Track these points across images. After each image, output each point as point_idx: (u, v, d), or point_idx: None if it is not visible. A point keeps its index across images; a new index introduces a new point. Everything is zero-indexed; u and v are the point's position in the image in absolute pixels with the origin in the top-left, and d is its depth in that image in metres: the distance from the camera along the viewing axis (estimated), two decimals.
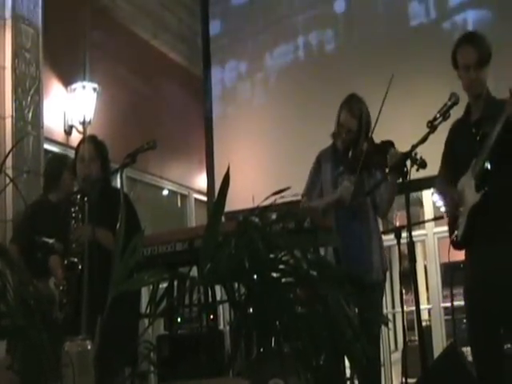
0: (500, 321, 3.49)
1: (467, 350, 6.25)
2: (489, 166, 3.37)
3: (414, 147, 3.30)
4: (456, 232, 3.59)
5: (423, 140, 3.31)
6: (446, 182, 3.75)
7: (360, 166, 3.98)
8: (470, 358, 5.21)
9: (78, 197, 3.96)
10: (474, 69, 3.51)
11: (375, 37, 6.68)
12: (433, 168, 6.07)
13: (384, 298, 7.24)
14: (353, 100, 4.23)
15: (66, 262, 3.83)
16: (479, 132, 3.45)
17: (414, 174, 3.26)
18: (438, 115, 3.34)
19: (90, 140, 4.34)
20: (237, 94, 7.47)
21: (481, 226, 3.44)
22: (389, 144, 3.97)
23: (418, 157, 3.32)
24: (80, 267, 3.77)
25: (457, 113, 3.56)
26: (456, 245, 3.64)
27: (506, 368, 3.52)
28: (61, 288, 3.83)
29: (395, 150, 3.81)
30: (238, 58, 7.53)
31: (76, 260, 3.80)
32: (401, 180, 3.36)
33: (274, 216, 2.97)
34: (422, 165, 3.35)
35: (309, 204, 4.15)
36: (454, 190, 3.60)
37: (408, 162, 3.25)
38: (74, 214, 3.95)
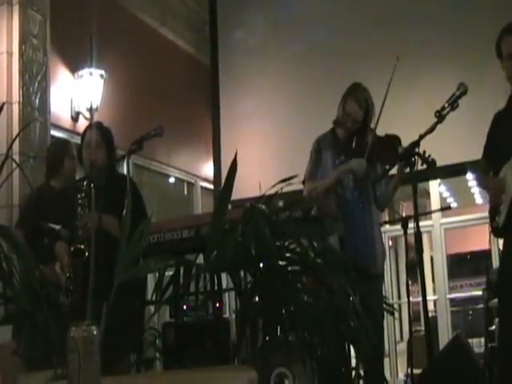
0: None
1: (473, 341, 6.26)
2: None
3: (422, 137, 3.28)
4: (497, 218, 3.59)
5: (431, 130, 3.29)
6: (485, 172, 3.74)
7: (366, 157, 3.96)
8: (475, 349, 5.22)
9: (85, 183, 3.95)
10: None
11: (380, 21, 6.66)
12: (440, 159, 6.08)
13: (390, 289, 7.25)
14: (358, 89, 4.19)
15: (72, 248, 3.83)
16: None
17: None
18: (446, 105, 3.32)
19: (96, 126, 4.34)
20: (244, 82, 7.45)
21: None
22: (395, 138, 3.96)
23: (428, 155, 3.32)
24: (86, 254, 3.76)
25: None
26: (496, 232, 3.63)
27: None
28: (67, 275, 3.83)
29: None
30: (246, 46, 7.51)
31: (82, 247, 3.79)
32: (408, 170, 3.34)
33: (280, 204, 2.96)
34: (432, 163, 3.35)
35: (315, 186, 4.09)
36: (495, 178, 3.59)
37: (416, 150, 3.23)
38: (80, 201, 3.94)
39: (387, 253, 7.99)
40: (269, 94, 7.22)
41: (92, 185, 3.89)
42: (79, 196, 3.96)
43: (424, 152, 3.53)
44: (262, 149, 6.99)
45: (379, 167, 4.14)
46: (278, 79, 7.16)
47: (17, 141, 5.26)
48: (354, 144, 4.09)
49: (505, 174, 3.55)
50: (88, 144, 4.20)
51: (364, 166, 3.99)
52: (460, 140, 6.12)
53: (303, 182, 4.12)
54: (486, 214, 3.71)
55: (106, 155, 4.17)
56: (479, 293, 7.13)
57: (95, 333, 1.77)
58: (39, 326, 2.40)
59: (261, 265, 2.66)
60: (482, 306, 6.57)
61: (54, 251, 4.05)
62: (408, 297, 4.48)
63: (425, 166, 3.31)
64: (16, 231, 4.54)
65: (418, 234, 3.18)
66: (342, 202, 4.08)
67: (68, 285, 3.77)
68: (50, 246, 4.12)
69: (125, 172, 5.42)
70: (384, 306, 3.97)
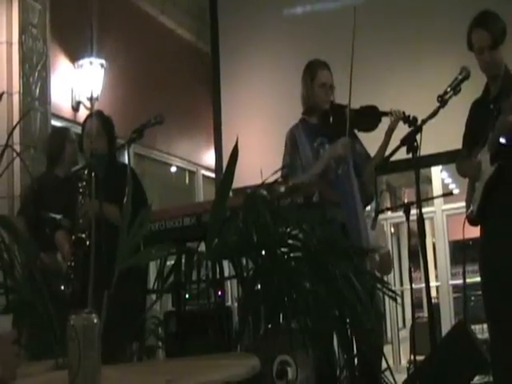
0: None
1: (476, 327, 6.26)
2: (504, 141, 3.36)
3: (424, 122, 3.27)
4: (471, 206, 3.59)
5: (433, 114, 3.27)
6: (464, 158, 3.74)
7: (348, 128, 3.98)
8: (478, 336, 5.21)
9: (85, 172, 3.95)
10: (488, 51, 3.54)
11: (380, 8, 6.63)
12: (442, 145, 6.06)
13: (392, 275, 7.23)
14: (320, 60, 4.27)
15: (73, 237, 3.83)
16: (496, 107, 3.44)
17: (424, 150, 3.22)
18: (449, 89, 3.30)
19: (96, 115, 4.35)
20: (245, 70, 7.42)
21: (495, 200, 3.44)
22: (371, 107, 4.01)
23: (408, 115, 3.52)
24: (87, 243, 3.76)
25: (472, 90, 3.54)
26: (471, 220, 3.63)
27: None
28: (68, 263, 3.84)
29: (397, 110, 3.88)
30: (247, 33, 7.47)
31: (84, 236, 3.80)
32: (411, 155, 3.33)
33: (282, 189, 2.95)
34: (414, 122, 3.49)
35: (303, 178, 4.06)
36: (471, 162, 3.59)
37: (418, 137, 3.21)
38: (81, 190, 3.95)
39: (389, 239, 8.02)
40: (270, 81, 7.20)
41: (92, 173, 3.89)
42: (80, 185, 3.96)
43: (403, 112, 3.81)
44: (264, 137, 6.97)
45: (359, 147, 4.19)
46: (280, 67, 7.13)
47: (17, 131, 5.26)
48: (330, 120, 4.09)
49: (479, 160, 3.54)
50: (88, 133, 4.21)
51: (349, 145, 4.00)
52: (462, 125, 6.08)
53: (283, 176, 3.99)
54: None
55: (107, 144, 4.18)
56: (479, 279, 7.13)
57: (95, 321, 1.76)
58: (40, 316, 2.40)
59: (263, 252, 2.65)
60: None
61: (55, 240, 4.05)
62: (411, 283, 4.47)
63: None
64: (18, 218, 4.57)
65: (421, 220, 3.16)
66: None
67: (69, 273, 3.78)
68: (52, 236, 4.13)
69: (126, 161, 5.41)
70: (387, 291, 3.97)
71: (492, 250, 3.53)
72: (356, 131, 4.18)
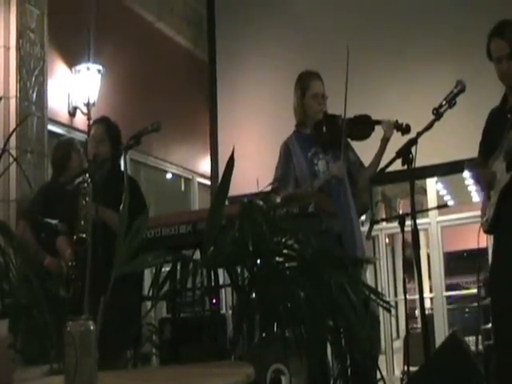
0: None
1: (469, 338, 6.27)
2: None
3: (419, 134, 3.28)
4: (486, 213, 3.60)
5: (428, 127, 3.29)
6: (479, 167, 3.76)
7: (343, 139, 4.00)
8: (472, 347, 5.22)
9: (87, 175, 3.98)
10: (506, 61, 3.57)
11: (379, 18, 6.67)
12: (438, 156, 6.08)
13: (386, 286, 7.25)
14: (312, 71, 4.28)
15: (75, 237, 3.87)
16: None
17: (419, 161, 3.24)
18: (444, 102, 3.32)
19: (101, 121, 4.43)
20: (242, 78, 7.44)
21: (508, 209, 3.45)
22: (364, 116, 4.05)
23: (401, 123, 3.61)
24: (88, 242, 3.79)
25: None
26: (486, 229, 3.65)
27: None
28: (69, 263, 3.87)
29: (389, 120, 3.91)
30: (244, 41, 7.49)
31: (84, 236, 3.83)
32: (406, 167, 3.34)
33: (278, 199, 2.96)
34: (406, 130, 3.64)
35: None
36: (487, 170, 3.61)
37: (413, 149, 3.23)
38: (83, 191, 3.99)
39: (384, 250, 8.04)
40: (267, 89, 7.21)
41: (90, 178, 3.92)
42: (82, 186, 4.00)
43: (396, 121, 3.88)
44: (260, 145, 6.98)
45: (352, 155, 4.21)
46: (277, 75, 7.15)
47: (14, 136, 5.26)
48: (324, 130, 4.11)
49: (495, 169, 3.57)
50: (92, 138, 4.29)
51: (344, 168, 4.02)
52: (457, 138, 6.12)
53: (274, 188, 3.95)
54: None
55: (110, 149, 4.21)
56: (475, 290, 7.15)
57: (92, 328, 1.77)
58: (36, 320, 2.40)
59: (258, 261, 2.66)
60: (477, 303, 6.58)
61: (56, 246, 4.08)
62: (405, 294, 4.48)
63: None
64: (21, 223, 4.62)
65: (415, 232, 3.17)
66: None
67: (70, 274, 3.81)
68: (48, 241, 4.15)
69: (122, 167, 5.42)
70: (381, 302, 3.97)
71: (505, 260, 3.54)
72: (349, 140, 4.20)
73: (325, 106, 4.20)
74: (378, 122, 4.07)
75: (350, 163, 4.19)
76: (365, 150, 4.26)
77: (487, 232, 3.68)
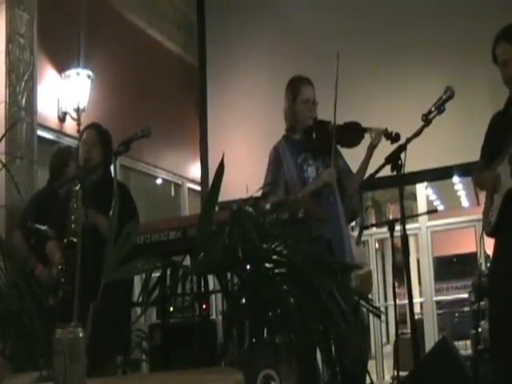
0: None
1: (458, 343, 6.28)
2: None
3: (408, 141, 3.29)
4: (490, 217, 3.62)
5: (418, 133, 3.30)
6: (482, 171, 3.77)
7: (333, 145, 4.01)
8: (461, 352, 5.24)
9: (78, 180, 4.00)
10: (511, 65, 3.55)
11: (367, 25, 6.69)
12: (427, 161, 6.11)
13: (376, 291, 7.25)
14: (303, 77, 4.30)
15: (65, 240, 3.87)
16: None
17: (408, 167, 3.25)
18: (433, 109, 3.34)
19: (92, 126, 4.45)
20: (232, 83, 7.45)
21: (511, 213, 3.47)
22: (354, 123, 4.06)
23: (391, 131, 3.60)
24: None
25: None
26: (488, 232, 3.66)
27: None
28: (59, 267, 3.88)
29: (378, 128, 3.93)
30: (234, 47, 7.51)
31: (75, 240, 3.83)
32: (395, 173, 3.35)
33: (267, 206, 2.96)
34: (396, 138, 3.64)
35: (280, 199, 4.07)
36: (490, 173, 3.62)
37: (402, 155, 3.23)
38: (74, 195, 4.00)
39: (374, 255, 8.06)
40: (257, 94, 7.23)
41: (80, 183, 3.93)
42: (73, 190, 4.02)
43: (386, 129, 3.89)
44: (250, 150, 6.98)
45: (341, 162, 4.24)
46: (267, 80, 7.16)
47: (3, 141, 5.23)
48: (314, 136, 4.12)
49: (499, 173, 3.58)
50: (83, 143, 4.33)
51: (334, 174, 4.03)
52: (447, 143, 6.15)
53: (263, 193, 3.99)
54: (473, 217, 3.75)
55: (102, 155, 4.23)
56: (465, 295, 7.17)
57: (81, 335, 1.76)
58: (25, 327, 2.39)
59: (248, 267, 2.66)
60: (468, 308, 6.60)
61: (46, 250, 4.09)
62: (394, 299, 4.49)
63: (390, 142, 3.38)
64: (16, 233, 4.63)
65: (405, 237, 3.18)
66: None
67: (59, 277, 3.81)
68: (38, 247, 4.15)
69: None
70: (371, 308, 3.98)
71: (507, 263, 3.55)
72: (339, 147, 4.21)
73: (315, 112, 4.21)
74: (368, 130, 4.08)
75: (340, 170, 4.20)
76: (353, 157, 4.28)
77: (489, 235, 3.70)
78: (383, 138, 3.98)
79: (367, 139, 4.11)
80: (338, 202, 4.11)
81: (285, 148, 4.20)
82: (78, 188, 3.97)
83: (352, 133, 4.13)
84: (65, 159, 4.85)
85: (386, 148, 3.70)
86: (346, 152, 4.30)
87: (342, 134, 4.10)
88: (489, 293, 3.79)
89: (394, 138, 3.87)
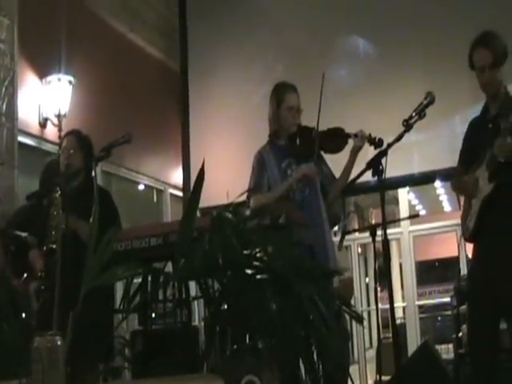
0: (502, 316, 3.56)
1: (441, 347, 6.31)
2: (502, 159, 3.42)
3: (389, 146, 3.31)
4: (468, 223, 3.64)
5: (399, 138, 3.32)
6: (460, 175, 3.79)
7: (317, 150, 4.03)
8: (443, 356, 5.25)
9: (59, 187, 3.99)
10: (488, 70, 3.60)
11: (350, 30, 6.73)
12: (409, 167, 6.13)
13: (359, 295, 7.27)
14: (288, 83, 4.30)
15: (45, 248, 3.85)
16: (495, 127, 3.50)
17: (390, 172, 3.26)
18: (414, 114, 3.35)
19: (72, 132, 4.44)
20: (213, 89, 7.45)
21: (491, 218, 3.49)
22: (337, 128, 4.07)
23: (374, 137, 3.63)
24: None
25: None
26: (466, 237, 3.68)
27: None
28: (39, 274, 3.86)
29: (362, 132, 3.94)
30: (216, 52, 7.51)
31: (55, 246, 3.81)
32: (376, 178, 3.36)
33: (248, 212, 2.96)
34: (379, 144, 3.68)
35: (265, 197, 4.07)
36: (468, 178, 3.64)
37: (383, 160, 3.24)
38: (55, 202, 3.98)
39: (356, 260, 8.07)
40: (238, 100, 7.24)
41: (60, 189, 3.92)
42: (54, 197, 4.00)
43: (370, 134, 3.91)
44: (232, 156, 6.99)
45: (325, 168, 4.24)
46: (249, 86, 7.18)
47: None
48: (297, 142, 4.13)
49: (477, 178, 3.60)
50: (64, 149, 4.33)
51: (314, 169, 4.03)
52: (428, 148, 6.18)
53: (248, 196, 4.03)
54: (454, 221, 3.78)
55: (82, 161, 4.22)
56: (447, 299, 7.20)
57: (59, 343, 1.75)
58: (5, 335, 2.37)
59: (228, 273, 2.66)
60: (450, 312, 6.63)
61: (29, 258, 4.06)
62: (376, 304, 4.50)
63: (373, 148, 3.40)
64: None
65: (386, 242, 3.19)
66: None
67: (40, 285, 3.79)
68: (18, 255, 4.12)
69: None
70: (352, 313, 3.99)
71: (484, 267, 3.57)
72: (322, 153, 4.22)
73: (299, 119, 4.22)
74: (352, 135, 4.09)
75: (323, 175, 4.22)
76: (337, 163, 4.28)
77: (468, 240, 3.72)
78: (366, 144, 3.99)
79: (351, 145, 4.12)
80: (322, 208, 4.12)
81: (269, 153, 4.21)
82: (58, 195, 3.96)
83: (335, 138, 4.14)
84: (53, 174, 4.82)
85: (368, 153, 3.72)
86: (329, 158, 4.31)
87: (326, 140, 4.12)
88: (468, 297, 3.81)
89: (377, 143, 3.88)
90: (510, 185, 3.47)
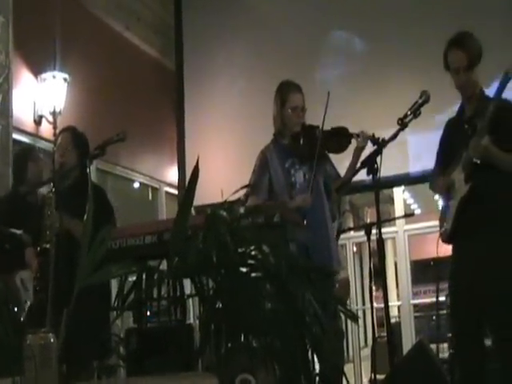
0: (483, 318, 3.56)
1: (436, 346, 6.31)
2: (477, 161, 3.42)
3: (384, 144, 3.32)
4: (445, 224, 3.64)
5: (393, 137, 3.32)
6: (438, 177, 3.79)
7: (317, 151, 4.02)
8: (439, 355, 5.25)
9: (52, 185, 3.97)
10: (463, 71, 3.59)
11: (345, 28, 6.72)
12: (404, 166, 6.13)
13: (354, 294, 7.28)
14: (293, 83, 4.30)
15: (38, 248, 3.84)
16: (471, 128, 3.50)
17: (385, 171, 3.26)
18: (409, 113, 3.36)
19: (67, 130, 4.42)
20: (209, 87, 7.44)
21: (468, 219, 3.49)
22: (341, 128, 4.07)
23: (378, 137, 3.54)
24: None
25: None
26: (444, 238, 3.68)
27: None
28: (34, 275, 3.85)
29: (365, 132, 3.93)
30: (212, 51, 7.49)
31: (48, 246, 3.80)
32: (371, 177, 3.36)
33: (242, 210, 2.95)
34: (383, 144, 3.50)
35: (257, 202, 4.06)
36: (445, 180, 3.64)
37: (378, 159, 3.24)
38: (48, 201, 3.97)
39: (351, 259, 8.07)
40: (234, 99, 7.22)
41: (54, 187, 3.91)
42: (48, 196, 3.98)
43: (373, 134, 3.86)
44: (227, 154, 6.98)
45: (329, 167, 4.26)
46: (244, 84, 7.17)
47: None
48: (301, 142, 4.13)
49: (454, 179, 3.60)
50: (58, 147, 4.32)
51: (308, 200, 4.02)
52: (423, 147, 6.17)
53: (246, 195, 4.07)
54: None
55: (77, 159, 4.21)
56: (442, 298, 7.20)
57: (52, 340, 1.74)
58: None
59: (223, 271, 2.65)
60: (445, 311, 6.63)
61: (25, 257, 4.06)
62: (371, 302, 4.50)
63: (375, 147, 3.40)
64: None
65: (381, 241, 3.19)
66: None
67: (35, 285, 3.78)
68: (12, 252, 4.11)
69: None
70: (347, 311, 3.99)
71: (462, 269, 3.58)
72: (326, 152, 4.21)
73: (303, 118, 4.21)
74: (355, 135, 4.07)
75: (327, 175, 4.21)
76: (341, 163, 4.29)
77: (446, 242, 3.72)
78: (368, 143, 3.99)
79: (354, 145, 4.12)
80: (326, 209, 4.13)
81: (272, 152, 4.22)
82: (51, 193, 3.94)
83: (339, 138, 4.13)
84: (23, 163, 4.79)
85: (364, 152, 3.72)
86: (332, 157, 4.31)
87: (329, 140, 4.11)
88: (449, 299, 3.81)
89: (380, 143, 3.85)
90: (485, 186, 3.46)
